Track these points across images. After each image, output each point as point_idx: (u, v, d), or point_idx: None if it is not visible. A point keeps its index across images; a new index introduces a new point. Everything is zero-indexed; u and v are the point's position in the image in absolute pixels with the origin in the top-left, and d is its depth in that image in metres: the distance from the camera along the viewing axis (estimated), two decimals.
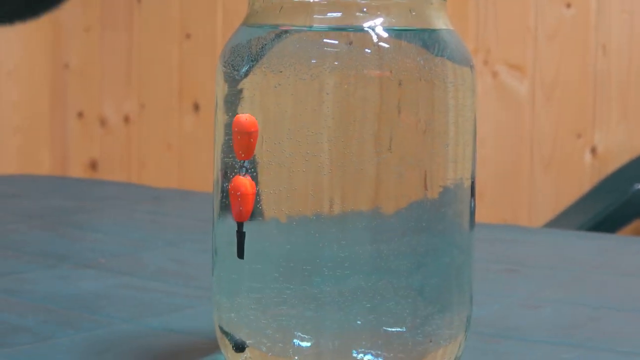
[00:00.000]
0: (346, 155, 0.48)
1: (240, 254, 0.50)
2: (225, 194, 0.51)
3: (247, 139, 0.48)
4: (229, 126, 0.51)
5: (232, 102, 0.51)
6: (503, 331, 0.63)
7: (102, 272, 0.78)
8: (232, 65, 0.51)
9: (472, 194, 0.53)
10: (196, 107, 2.05)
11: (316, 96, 0.49)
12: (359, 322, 0.49)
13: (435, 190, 0.50)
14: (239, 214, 0.49)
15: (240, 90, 0.51)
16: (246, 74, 0.50)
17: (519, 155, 1.82)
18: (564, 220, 1.66)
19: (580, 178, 1.77)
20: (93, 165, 2.23)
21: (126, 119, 2.18)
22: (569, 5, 1.77)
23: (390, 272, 0.49)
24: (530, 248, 0.98)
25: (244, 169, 0.49)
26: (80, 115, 2.24)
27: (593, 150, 1.77)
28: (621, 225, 1.64)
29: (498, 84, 1.83)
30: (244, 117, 0.49)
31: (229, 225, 0.51)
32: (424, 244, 0.50)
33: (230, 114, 0.51)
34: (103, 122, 2.21)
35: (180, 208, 1.16)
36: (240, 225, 0.50)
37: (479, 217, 1.79)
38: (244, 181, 0.49)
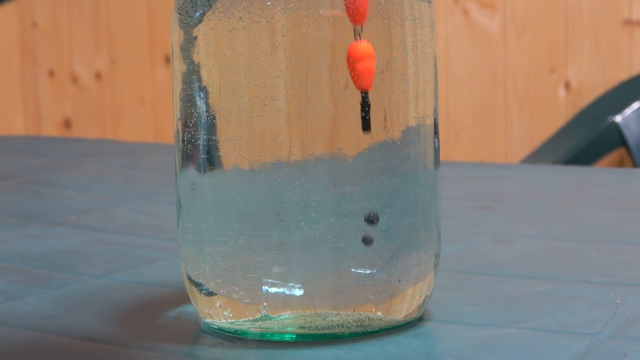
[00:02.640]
0: (304, 98, 0.47)
1: (367, 126, 0.47)
2: (186, 143, 0.51)
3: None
4: (187, 74, 0.50)
5: (188, 49, 0.50)
6: (476, 267, 0.63)
7: (73, 229, 0.78)
8: (186, 11, 0.50)
9: (436, 132, 0.52)
10: (167, 60, 2.03)
11: (271, 39, 0.48)
12: (326, 265, 0.49)
13: (396, 129, 0.49)
14: (366, 79, 0.47)
15: (195, 37, 0.50)
16: (200, 20, 0.49)
17: (493, 93, 1.81)
18: (540, 155, 1.66)
19: (555, 113, 1.77)
20: (67, 124, 2.21)
21: (97, 76, 2.16)
22: None
23: (356, 214, 0.48)
24: (505, 184, 0.97)
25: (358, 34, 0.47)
26: (51, 73, 2.22)
27: (567, 85, 1.76)
28: (597, 157, 1.65)
29: (469, 23, 1.82)
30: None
31: (192, 175, 0.51)
32: (388, 184, 0.49)
33: (187, 60, 0.50)
34: (74, 80, 2.19)
35: (154, 162, 1.15)
36: (366, 95, 0.47)
37: (455, 157, 1.80)
38: (365, 46, 0.47)
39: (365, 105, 0.47)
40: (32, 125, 2.24)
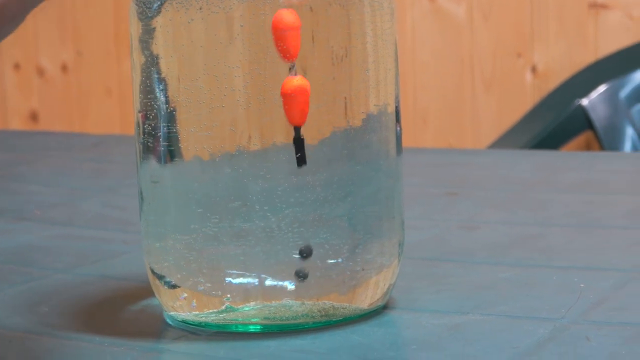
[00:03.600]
0: (264, 87, 0.47)
1: (302, 161, 0.47)
2: (147, 135, 0.50)
3: (296, 35, 0.46)
4: (146, 66, 0.50)
5: (147, 41, 0.50)
6: (441, 254, 0.63)
7: (38, 224, 0.77)
8: (143, 2, 0.50)
9: (397, 119, 0.52)
10: None
11: (230, 29, 0.47)
12: (289, 255, 0.48)
13: (357, 117, 0.49)
14: (297, 117, 0.47)
15: (154, 29, 0.49)
16: (158, 11, 0.49)
17: (460, 78, 1.82)
18: (508, 140, 1.67)
19: (522, 97, 1.78)
20: (33, 117, 2.19)
21: (64, 68, 2.15)
22: None
23: (318, 202, 0.48)
24: (471, 170, 0.97)
25: (293, 70, 0.47)
26: (16, 66, 2.20)
27: (533, 69, 1.77)
28: (564, 141, 1.65)
29: (435, 8, 1.82)
30: (287, 12, 0.46)
31: (153, 167, 0.50)
32: (350, 172, 0.49)
33: (146, 52, 0.50)
34: (41, 73, 2.17)
35: (121, 154, 1.15)
36: (298, 130, 0.47)
37: (424, 143, 1.80)
38: (298, 81, 0.47)
39: (298, 141, 0.47)
40: None
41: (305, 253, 0.48)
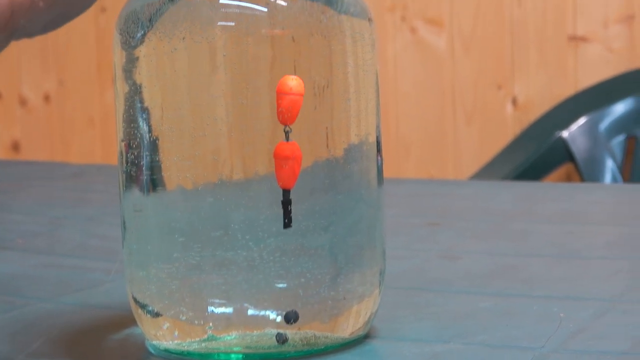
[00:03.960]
0: (246, 117, 0.48)
1: (288, 224, 0.48)
2: (130, 164, 0.50)
3: (297, 101, 0.47)
4: (129, 95, 0.50)
5: (130, 70, 0.50)
6: (421, 284, 0.63)
7: (20, 253, 0.77)
8: (127, 32, 0.50)
9: (379, 150, 0.52)
10: None
11: (212, 59, 0.48)
12: (271, 284, 0.49)
13: (339, 147, 0.49)
14: (287, 180, 0.47)
15: (137, 58, 0.49)
16: (142, 41, 0.49)
17: (442, 109, 1.83)
18: (489, 171, 1.68)
19: (503, 129, 1.79)
20: (15, 147, 2.19)
21: (46, 98, 2.15)
22: None
23: (300, 232, 0.48)
24: (453, 201, 0.98)
25: (289, 134, 0.47)
26: None
27: (514, 101, 1.78)
28: (545, 173, 1.66)
29: (417, 40, 1.83)
30: (292, 78, 0.47)
31: (136, 196, 0.51)
32: (332, 202, 0.49)
33: (130, 81, 0.50)
34: (23, 102, 2.17)
35: (103, 183, 1.15)
36: (287, 193, 0.47)
37: (406, 174, 1.80)
38: (290, 146, 0.47)
39: (286, 202, 0.47)
40: None
41: (292, 319, 0.48)
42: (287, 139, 0.47)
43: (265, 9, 0.48)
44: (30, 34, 0.47)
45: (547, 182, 1.64)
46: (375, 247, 0.52)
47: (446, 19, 1.80)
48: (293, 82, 0.46)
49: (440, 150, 1.83)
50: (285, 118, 0.47)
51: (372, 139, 0.51)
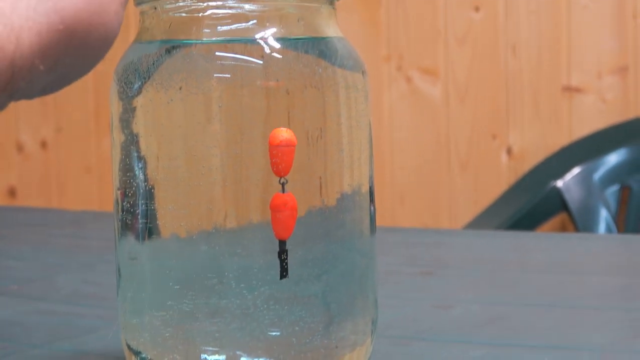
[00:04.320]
0: (240, 167, 0.48)
1: (284, 274, 0.48)
2: (125, 213, 0.51)
3: (290, 152, 0.47)
4: (125, 144, 0.51)
5: (127, 120, 0.51)
6: (413, 333, 0.63)
7: (14, 299, 0.77)
8: (124, 82, 0.51)
9: (371, 199, 0.53)
10: None
11: (208, 110, 0.48)
12: (264, 332, 0.49)
13: (332, 197, 0.50)
14: (283, 231, 0.48)
15: (134, 108, 0.50)
16: (139, 91, 0.50)
17: (437, 158, 1.84)
18: (483, 221, 1.68)
19: (498, 178, 1.80)
20: (11, 193, 2.20)
21: (43, 144, 2.15)
22: (477, 9, 1.79)
23: (293, 280, 0.49)
24: (446, 250, 0.98)
25: (284, 185, 0.48)
26: None
27: (509, 151, 1.79)
28: (539, 222, 1.67)
29: (412, 89, 1.84)
30: (283, 130, 0.47)
31: (131, 244, 0.51)
32: (325, 251, 0.50)
33: (126, 131, 0.51)
34: (20, 148, 2.18)
35: (99, 230, 1.15)
36: (283, 243, 0.48)
37: (400, 222, 1.80)
38: (286, 197, 0.48)
39: (282, 253, 0.48)
40: None
41: None
42: (283, 190, 0.48)
43: (260, 62, 0.48)
44: (29, 96, 0.48)
45: (541, 231, 1.65)
46: (368, 295, 0.52)
47: (441, 69, 1.82)
48: (285, 134, 0.47)
49: (435, 199, 1.84)
50: (280, 170, 0.47)
51: (365, 188, 0.52)
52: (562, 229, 1.72)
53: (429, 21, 1.82)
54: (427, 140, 1.84)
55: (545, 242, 1.03)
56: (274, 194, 0.48)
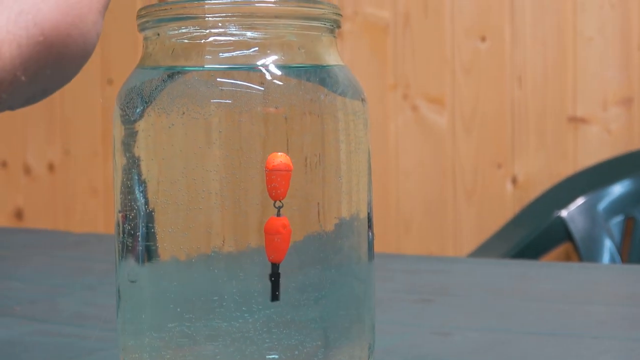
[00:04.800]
0: (240, 191, 0.49)
1: (276, 297, 0.49)
2: (126, 235, 0.52)
3: (286, 176, 0.48)
4: (127, 167, 0.52)
5: (129, 143, 0.51)
6: (412, 359, 0.64)
7: (17, 320, 0.78)
8: (127, 107, 0.51)
9: (370, 225, 0.53)
10: None
11: (208, 135, 0.49)
12: (262, 356, 0.49)
13: (330, 222, 0.50)
14: (277, 255, 0.48)
15: (136, 132, 0.51)
16: (141, 116, 0.51)
17: (442, 187, 1.84)
18: (488, 249, 1.68)
19: (503, 207, 1.80)
20: (18, 215, 2.21)
21: (50, 167, 2.16)
22: (484, 39, 1.80)
23: (291, 305, 0.49)
24: (449, 277, 0.99)
25: (280, 209, 0.48)
26: (3, 164, 2.22)
27: (514, 180, 1.79)
28: (544, 252, 1.67)
29: (418, 118, 1.85)
30: (279, 155, 0.48)
31: (131, 266, 0.52)
32: (322, 276, 0.50)
33: (128, 154, 0.51)
34: (27, 171, 2.19)
35: (104, 252, 1.16)
36: (276, 266, 0.49)
37: (406, 250, 1.80)
38: (280, 222, 0.48)
39: (274, 276, 0.49)
40: None
41: None
42: (279, 214, 0.48)
43: (261, 88, 0.49)
44: (11, 107, 0.49)
45: (544, 261, 1.65)
46: (365, 321, 0.52)
47: (448, 98, 1.83)
48: (281, 158, 0.48)
49: (440, 227, 1.84)
50: (275, 194, 0.48)
51: (364, 215, 0.52)
52: (566, 258, 1.72)
53: (436, 50, 1.83)
54: (432, 168, 1.84)
55: (549, 271, 1.03)
56: (269, 219, 0.48)
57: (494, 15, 1.80)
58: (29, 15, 0.44)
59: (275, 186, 0.48)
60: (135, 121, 0.51)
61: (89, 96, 2.10)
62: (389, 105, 1.86)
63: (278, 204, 0.48)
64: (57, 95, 2.11)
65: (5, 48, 0.44)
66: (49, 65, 0.45)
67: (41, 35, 0.44)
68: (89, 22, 0.46)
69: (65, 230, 2.07)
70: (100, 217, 2.11)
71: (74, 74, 0.50)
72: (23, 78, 0.45)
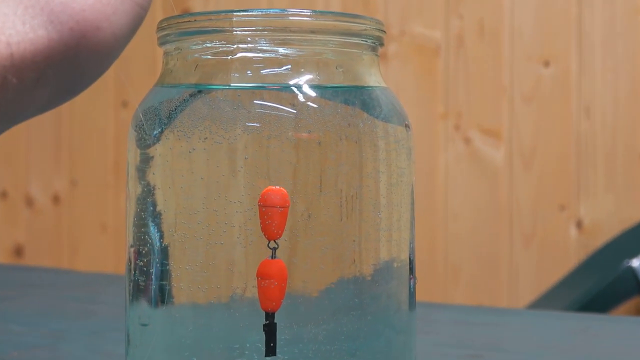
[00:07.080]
0: None
1: (272, 351, 0.48)
2: (138, 273, 0.52)
3: (283, 214, 0.48)
4: (141, 197, 0.52)
5: (144, 170, 0.52)
6: None
7: None
8: (143, 128, 0.52)
9: (411, 269, 0.53)
10: None
11: (233, 162, 0.49)
12: None
13: (366, 264, 0.50)
14: (271, 303, 0.48)
15: (152, 157, 0.51)
16: (158, 139, 0.51)
17: (497, 230, 1.83)
18: (547, 302, 1.68)
19: (566, 255, 1.79)
20: (18, 251, 2.22)
21: (55, 199, 2.18)
22: (547, 64, 1.80)
23: (321, 355, 0.49)
24: (502, 331, 0.98)
25: (275, 250, 0.49)
26: (3, 195, 2.24)
27: (579, 224, 1.79)
28: (612, 305, 1.66)
29: (471, 151, 1.85)
30: (275, 190, 0.48)
31: (143, 308, 0.52)
32: (357, 325, 0.50)
33: (143, 182, 0.52)
34: (29, 203, 2.21)
35: (112, 294, 1.16)
36: (271, 316, 0.49)
37: (453, 299, 1.80)
38: (274, 265, 0.48)
39: (270, 326, 0.48)
40: None
41: None
42: (273, 256, 0.48)
43: (293, 110, 0.49)
44: (25, 115, 0.49)
45: (612, 315, 1.64)
46: None
47: (505, 130, 1.83)
48: (276, 193, 0.48)
49: (494, 276, 1.84)
50: (270, 233, 0.48)
51: (405, 257, 0.52)
52: (637, 313, 1.71)
53: (493, 75, 1.83)
54: (486, 208, 1.84)
55: (616, 327, 1.02)
56: (262, 261, 0.48)
57: (559, 38, 1.80)
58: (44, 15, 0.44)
59: (270, 224, 0.48)
60: (151, 145, 0.51)
61: (100, 120, 2.11)
62: (438, 136, 1.86)
63: (272, 244, 0.48)
64: (65, 118, 2.13)
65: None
66: (65, 67, 0.45)
67: (70, 24, 0.44)
68: (122, 19, 0.46)
69: (70, 269, 2.08)
70: (110, 255, 2.12)
71: (96, 77, 0.50)
72: (14, 80, 0.45)
